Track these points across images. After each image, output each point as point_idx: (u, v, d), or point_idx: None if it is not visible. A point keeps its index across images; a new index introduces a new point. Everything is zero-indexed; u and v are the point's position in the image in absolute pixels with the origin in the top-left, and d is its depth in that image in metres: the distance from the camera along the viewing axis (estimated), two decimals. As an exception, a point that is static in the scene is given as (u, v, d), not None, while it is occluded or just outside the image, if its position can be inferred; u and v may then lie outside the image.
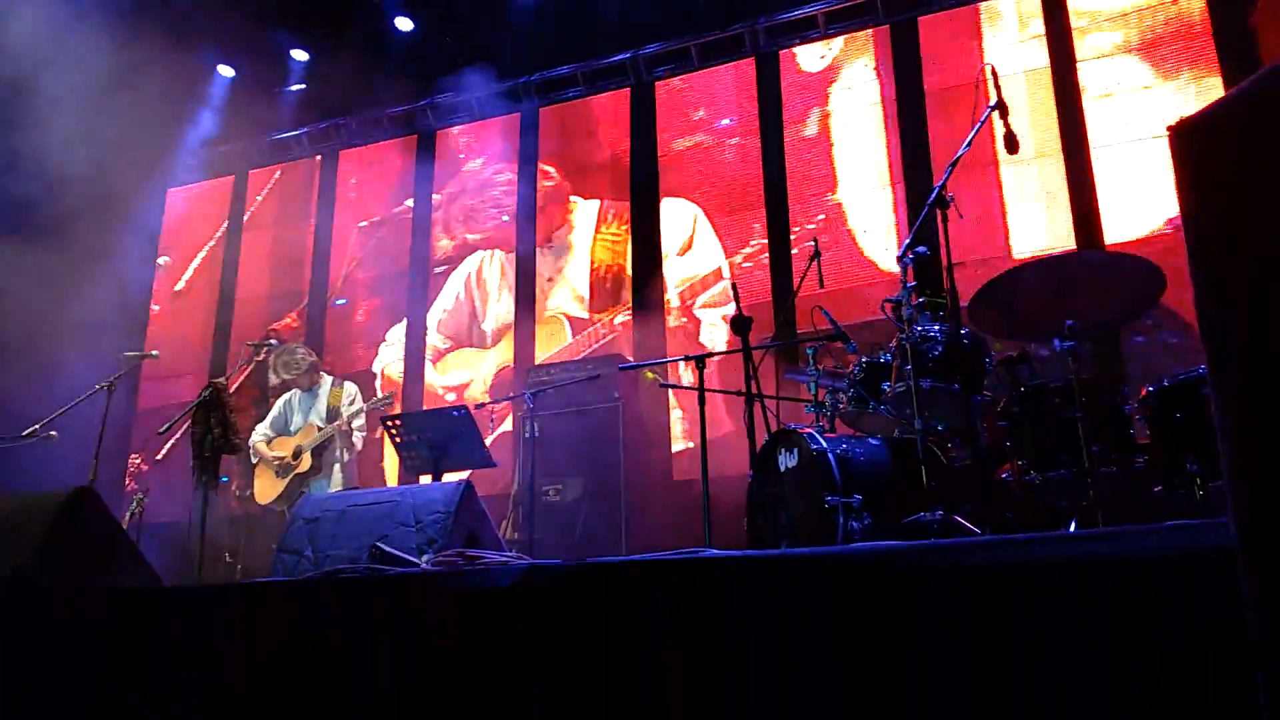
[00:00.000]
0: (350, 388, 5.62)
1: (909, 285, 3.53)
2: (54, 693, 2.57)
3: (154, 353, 5.32)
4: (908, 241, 3.36)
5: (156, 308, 8.63)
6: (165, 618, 2.50)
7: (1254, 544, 1.07)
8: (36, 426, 4.72)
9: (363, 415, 5.47)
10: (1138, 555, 1.54)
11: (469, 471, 4.90)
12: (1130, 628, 1.46)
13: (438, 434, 4.33)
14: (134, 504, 5.90)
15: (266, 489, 5.34)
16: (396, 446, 4.46)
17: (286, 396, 5.67)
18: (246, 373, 7.46)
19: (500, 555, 2.41)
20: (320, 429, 5.36)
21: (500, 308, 7.39)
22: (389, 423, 4.51)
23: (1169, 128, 1.13)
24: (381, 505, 3.71)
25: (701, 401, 3.86)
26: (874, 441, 3.71)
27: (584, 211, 7.42)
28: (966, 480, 3.51)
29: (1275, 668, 1.02)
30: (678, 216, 7.05)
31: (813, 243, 4.33)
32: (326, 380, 5.66)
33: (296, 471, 5.31)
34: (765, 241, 6.72)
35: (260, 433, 5.54)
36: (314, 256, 8.33)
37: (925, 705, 1.51)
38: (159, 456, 7.42)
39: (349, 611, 2.00)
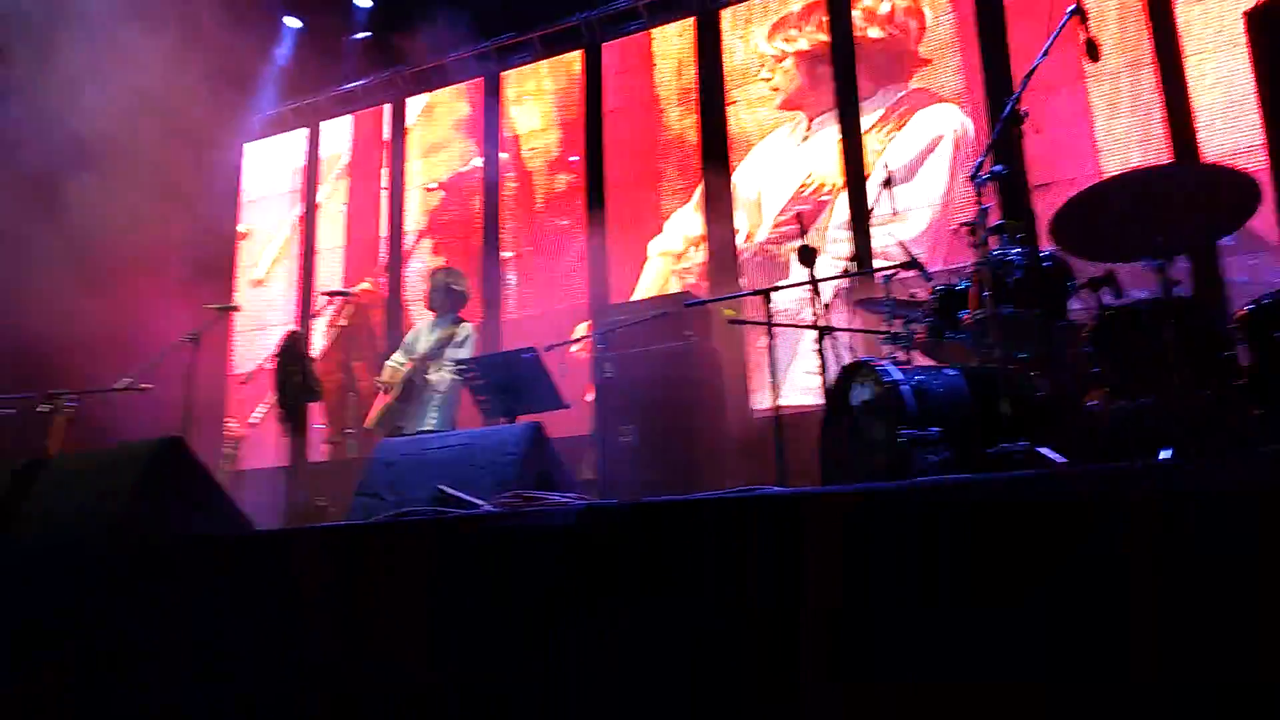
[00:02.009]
0: (465, 328, 5.44)
1: (985, 207, 3.37)
2: (150, 635, 2.67)
3: (236, 305, 5.37)
4: (979, 160, 3.20)
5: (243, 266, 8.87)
6: (247, 561, 2.58)
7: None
8: (129, 379, 4.88)
9: (469, 351, 5.34)
10: (1233, 483, 1.45)
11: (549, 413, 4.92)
12: (1227, 561, 1.38)
13: (508, 377, 4.34)
14: (230, 450, 6.04)
15: (373, 413, 5.32)
16: (471, 391, 4.50)
17: (422, 322, 5.58)
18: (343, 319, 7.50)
19: (561, 496, 2.41)
20: (414, 362, 5.27)
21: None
22: (463, 367, 4.55)
23: (1245, 12, 1.02)
24: (455, 448, 3.75)
25: (770, 335, 3.78)
26: (951, 372, 3.59)
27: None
28: (1051, 409, 3.38)
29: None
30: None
31: (884, 168, 4.18)
32: (456, 320, 5.51)
33: (391, 399, 5.23)
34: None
35: (392, 358, 5.45)
36: (389, 205, 8.41)
37: (990, 644, 1.45)
38: (253, 417, 7.61)
39: (412, 552, 2.02)
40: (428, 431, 4.93)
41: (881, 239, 5.78)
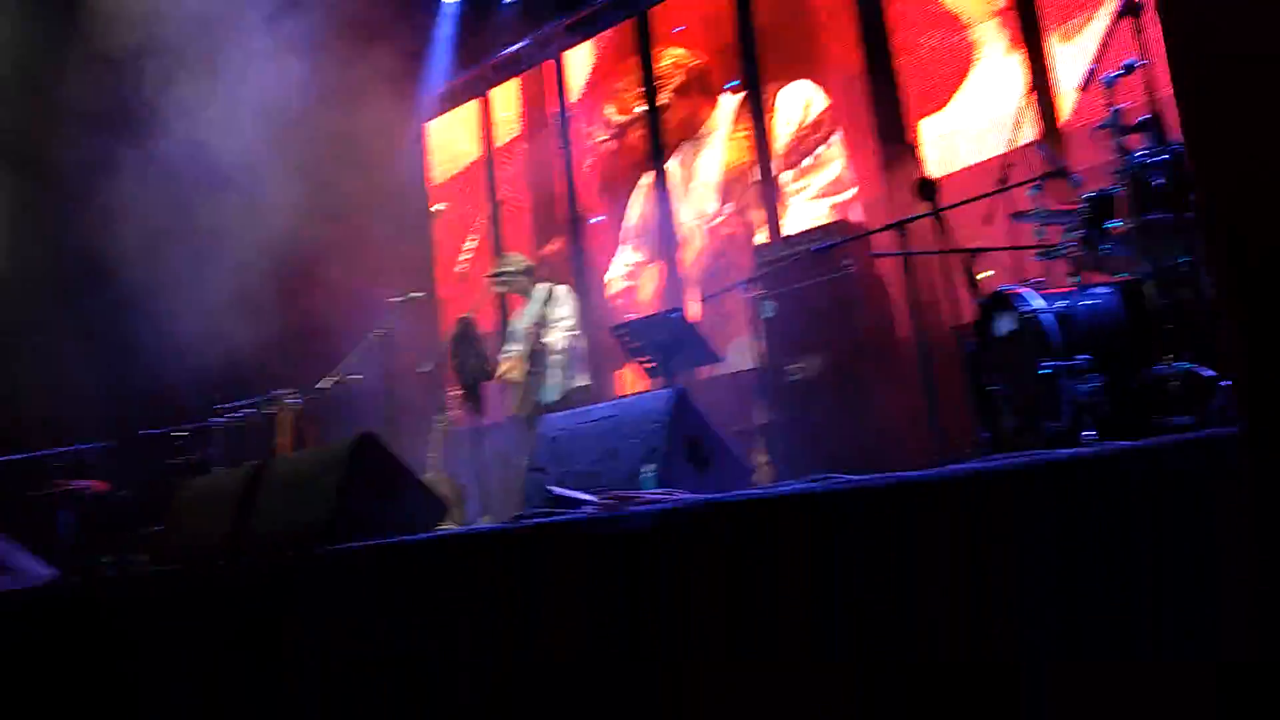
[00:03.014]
0: (559, 291, 5.59)
1: (1116, 108, 3.08)
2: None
3: (419, 293, 5.69)
4: (1093, 66, 2.92)
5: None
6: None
7: None
8: (334, 376, 5.41)
9: (567, 319, 5.47)
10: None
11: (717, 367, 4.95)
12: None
13: (660, 338, 4.46)
14: (441, 420, 6.33)
15: (509, 401, 5.53)
16: (628, 355, 4.65)
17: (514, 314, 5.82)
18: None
19: (656, 494, 2.51)
20: (524, 336, 5.41)
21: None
22: (619, 332, 4.70)
23: None
24: (607, 420, 3.93)
25: (906, 268, 3.65)
26: (1103, 290, 3.35)
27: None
28: (1217, 322, 3.09)
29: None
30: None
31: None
32: (543, 287, 5.68)
33: (514, 380, 5.41)
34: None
35: (503, 350, 5.68)
36: (564, 166, 8.61)
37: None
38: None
39: (515, 561, 2.20)
40: (555, 400, 5.17)
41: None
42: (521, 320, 5.67)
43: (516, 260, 5.86)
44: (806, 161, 6.71)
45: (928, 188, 3.44)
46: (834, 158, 6.59)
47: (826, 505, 1.86)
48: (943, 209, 3.50)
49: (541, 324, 5.48)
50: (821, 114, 6.69)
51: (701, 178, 7.37)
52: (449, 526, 4.75)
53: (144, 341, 6.08)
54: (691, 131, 7.55)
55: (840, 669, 1.65)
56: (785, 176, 6.81)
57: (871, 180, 6.25)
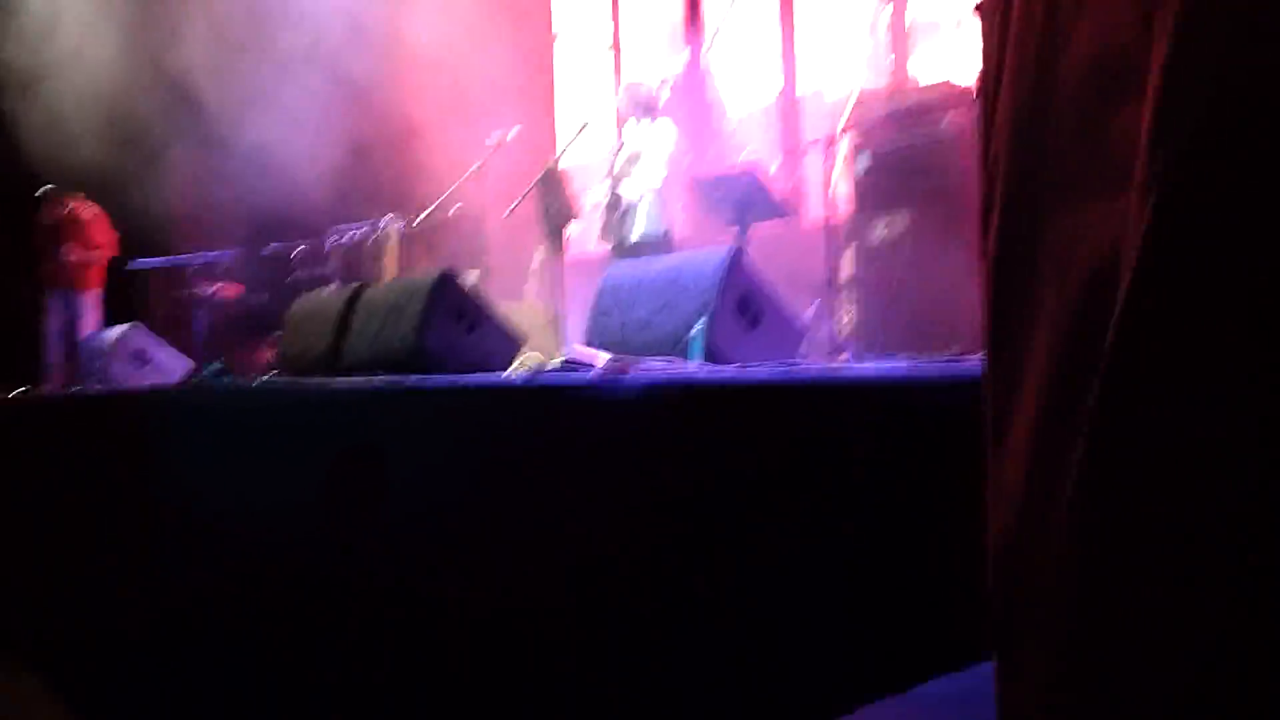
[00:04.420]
0: (664, 123, 5.46)
1: None
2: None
3: (514, 130, 5.73)
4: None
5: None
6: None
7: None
8: (436, 204, 5.65)
9: (662, 156, 5.36)
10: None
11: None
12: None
13: (734, 192, 4.48)
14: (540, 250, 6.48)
15: (596, 230, 5.54)
16: (707, 204, 4.69)
17: (629, 133, 5.70)
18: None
19: (656, 362, 2.66)
20: (619, 167, 5.38)
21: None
22: (699, 186, 4.72)
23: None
24: (667, 273, 4.07)
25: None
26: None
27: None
28: None
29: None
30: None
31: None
32: (650, 120, 5.55)
33: (604, 206, 5.40)
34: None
35: (591, 191, 5.64)
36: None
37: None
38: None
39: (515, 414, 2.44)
40: (635, 242, 5.17)
41: None
42: (619, 156, 5.64)
43: (646, 90, 5.69)
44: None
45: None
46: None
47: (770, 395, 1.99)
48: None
49: (634, 162, 5.49)
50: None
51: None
52: (531, 356, 5.06)
53: (273, 157, 6.44)
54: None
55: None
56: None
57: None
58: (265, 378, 4.76)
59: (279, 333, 5.57)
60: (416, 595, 2.46)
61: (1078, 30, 0.72)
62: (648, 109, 5.56)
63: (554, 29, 9.16)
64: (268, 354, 5.97)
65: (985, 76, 1.02)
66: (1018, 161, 0.83)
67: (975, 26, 1.07)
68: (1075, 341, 0.66)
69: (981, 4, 1.01)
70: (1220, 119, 0.49)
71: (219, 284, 6.52)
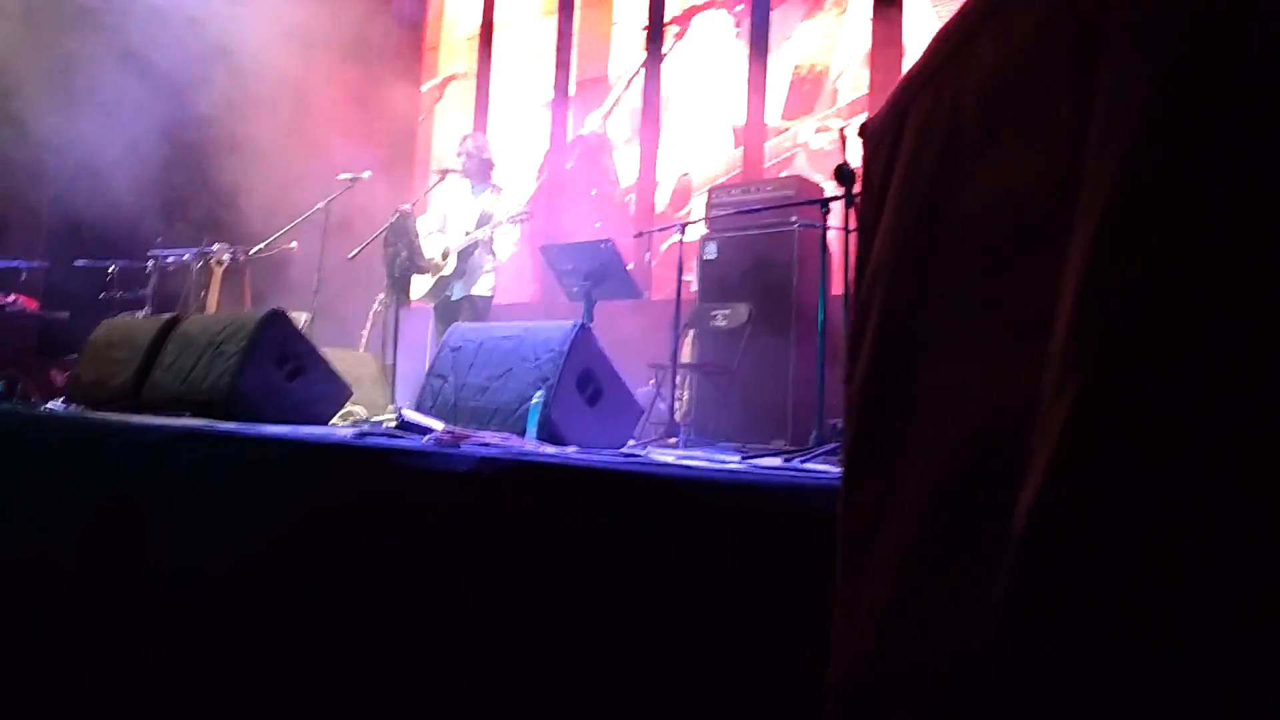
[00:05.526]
0: (510, 197, 5.52)
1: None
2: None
3: (366, 173, 5.58)
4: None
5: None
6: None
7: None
8: (274, 238, 5.38)
9: (512, 227, 5.41)
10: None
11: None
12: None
13: (588, 264, 4.45)
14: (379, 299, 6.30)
15: (419, 285, 5.45)
16: (556, 274, 4.65)
17: (450, 193, 5.67)
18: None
19: (491, 436, 2.56)
20: (468, 234, 5.36)
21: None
22: (549, 252, 4.68)
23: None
24: (510, 340, 3.97)
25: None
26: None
27: None
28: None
29: None
30: None
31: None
32: (491, 186, 5.61)
33: (442, 273, 5.38)
34: None
35: (430, 236, 5.55)
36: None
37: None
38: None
39: (340, 475, 2.27)
40: (459, 298, 5.16)
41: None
42: (460, 211, 5.59)
43: (483, 144, 5.74)
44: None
45: (845, 174, 3.40)
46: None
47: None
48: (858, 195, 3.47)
49: (486, 223, 5.42)
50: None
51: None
52: (357, 409, 4.83)
53: (96, 170, 6.00)
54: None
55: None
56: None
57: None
58: (51, 405, 4.35)
59: (74, 356, 5.12)
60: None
61: (979, 172, 0.70)
62: (483, 170, 5.58)
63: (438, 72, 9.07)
64: (60, 378, 5.46)
65: (866, 202, 1.01)
66: (898, 298, 0.81)
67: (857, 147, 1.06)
68: (964, 489, 0.63)
69: (868, 127, 1.00)
70: (1164, 305, 0.45)
71: (15, 295, 5.95)
